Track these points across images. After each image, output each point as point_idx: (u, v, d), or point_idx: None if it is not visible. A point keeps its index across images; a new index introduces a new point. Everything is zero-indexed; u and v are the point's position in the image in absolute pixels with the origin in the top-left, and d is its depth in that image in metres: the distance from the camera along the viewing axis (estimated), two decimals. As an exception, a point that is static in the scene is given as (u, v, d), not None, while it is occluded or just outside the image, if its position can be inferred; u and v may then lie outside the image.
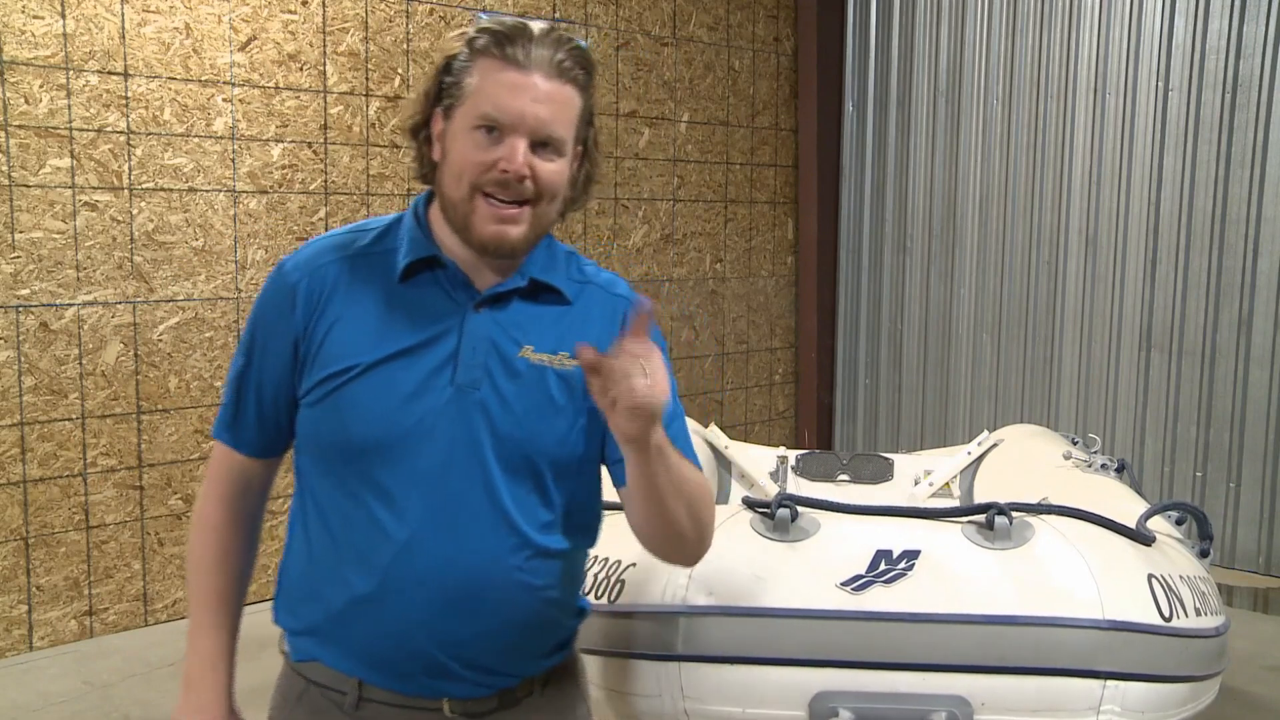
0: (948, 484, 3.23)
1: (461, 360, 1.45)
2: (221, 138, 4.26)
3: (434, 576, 1.44)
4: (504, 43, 1.42)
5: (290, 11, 4.40)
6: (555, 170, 1.45)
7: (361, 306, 1.47)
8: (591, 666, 2.19)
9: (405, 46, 4.73)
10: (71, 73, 3.91)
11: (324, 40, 4.50)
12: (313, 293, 1.48)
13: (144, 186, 4.10)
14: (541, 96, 1.42)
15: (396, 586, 1.44)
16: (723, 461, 3.53)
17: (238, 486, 1.58)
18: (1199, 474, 4.95)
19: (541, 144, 1.44)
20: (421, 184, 1.56)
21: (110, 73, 3.99)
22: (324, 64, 4.51)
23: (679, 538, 1.51)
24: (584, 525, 1.57)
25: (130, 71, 4.03)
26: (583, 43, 1.47)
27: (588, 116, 1.51)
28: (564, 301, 1.53)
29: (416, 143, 1.52)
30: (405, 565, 1.44)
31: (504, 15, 1.52)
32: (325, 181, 4.55)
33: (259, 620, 1.74)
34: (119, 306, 4.09)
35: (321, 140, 4.52)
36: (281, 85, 4.40)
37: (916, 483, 3.35)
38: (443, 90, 1.47)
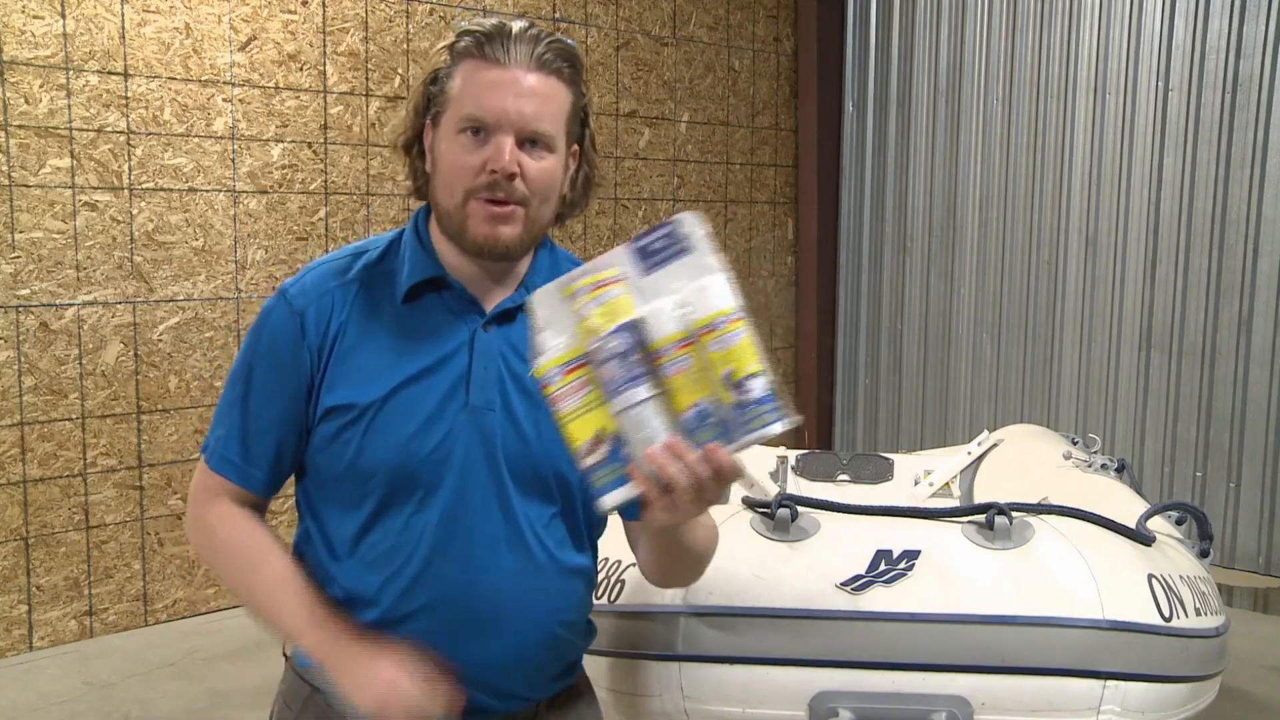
0: (948, 484, 3.21)
1: (474, 381, 1.42)
2: (221, 138, 4.26)
3: (453, 600, 1.42)
4: (483, 42, 1.40)
5: (290, 11, 4.40)
6: (546, 168, 1.41)
7: (371, 332, 1.43)
8: (592, 667, 2.19)
9: (405, 46, 4.72)
10: (71, 73, 3.90)
11: (324, 40, 4.50)
12: (321, 319, 1.44)
13: (144, 186, 4.10)
14: (525, 91, 1.39)
15: (414, 612, 1.42)
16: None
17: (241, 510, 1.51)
18: (1199, 474, 4.95)
19: (529, 141, 1.40)
20: (418, 200, 1.52)
21: (110, 73, 3.99)
22: (324, 64, 4.51)
23: (680, 578, 1.65)
24: (596, 541, 1.57)
25: (130, 71, 4.03)
26: (567, 40, 1.44)
27: (581, 115, 1.47)
28: None
29: (409, 158, 1.49)
30: (424, 590, 1.41)
31: (485, 18, 1.50)
32: (325, 181, 4.55)
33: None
34: (119, 306, 4.09)
35: (321, 140, 4.52)
36: (281, 85, 4.40)
37: (916, 483, 3.34)
38: (430, 101, 1.45)
